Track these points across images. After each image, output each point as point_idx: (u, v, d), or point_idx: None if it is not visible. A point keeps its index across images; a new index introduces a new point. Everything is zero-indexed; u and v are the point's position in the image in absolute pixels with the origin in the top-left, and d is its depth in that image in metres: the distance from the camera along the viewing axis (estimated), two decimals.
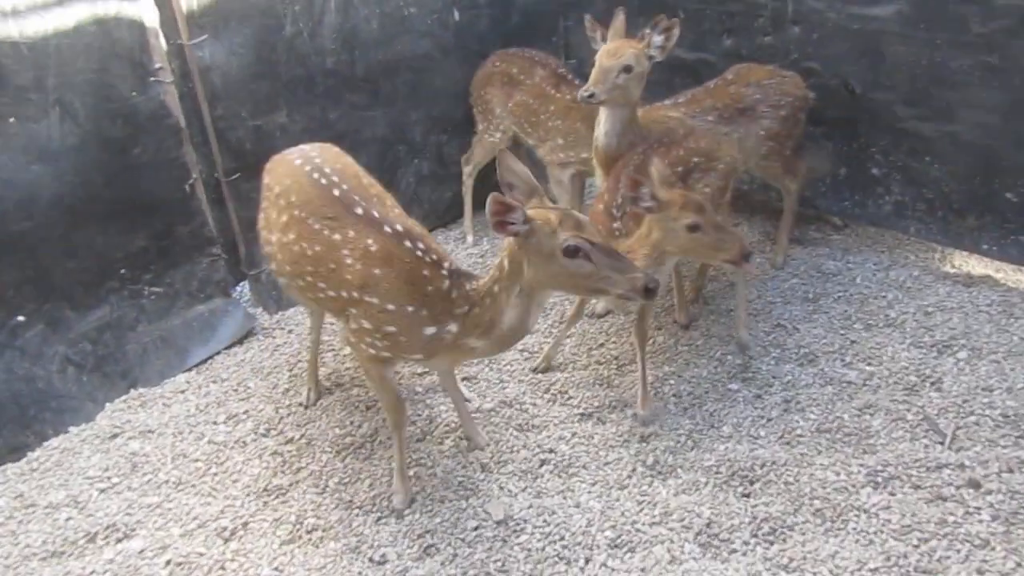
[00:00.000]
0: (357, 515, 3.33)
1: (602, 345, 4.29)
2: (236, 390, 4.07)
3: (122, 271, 3.97)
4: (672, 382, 3.98)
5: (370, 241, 3.01)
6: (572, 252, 2.66)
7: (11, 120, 3.40)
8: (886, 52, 4.23)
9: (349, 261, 3.01)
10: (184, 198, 4.00)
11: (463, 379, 4.05)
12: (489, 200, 2.53)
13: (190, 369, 4.23)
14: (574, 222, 2.70)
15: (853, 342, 4.14)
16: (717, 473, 3.43)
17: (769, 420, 3.70)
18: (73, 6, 3.47)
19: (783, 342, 4.18)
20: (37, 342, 3.73)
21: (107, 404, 3.95)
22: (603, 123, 3.85)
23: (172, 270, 4.16)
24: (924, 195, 4.44)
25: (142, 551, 3.20)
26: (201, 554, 3.18)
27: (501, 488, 3.41)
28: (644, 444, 3.61)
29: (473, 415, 3.77)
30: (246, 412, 3.91)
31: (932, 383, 3.79)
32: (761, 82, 4.33)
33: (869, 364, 3.98)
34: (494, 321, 2.90)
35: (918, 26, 4.08)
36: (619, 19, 3.90)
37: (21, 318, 3.67)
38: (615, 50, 3.69)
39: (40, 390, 3.74)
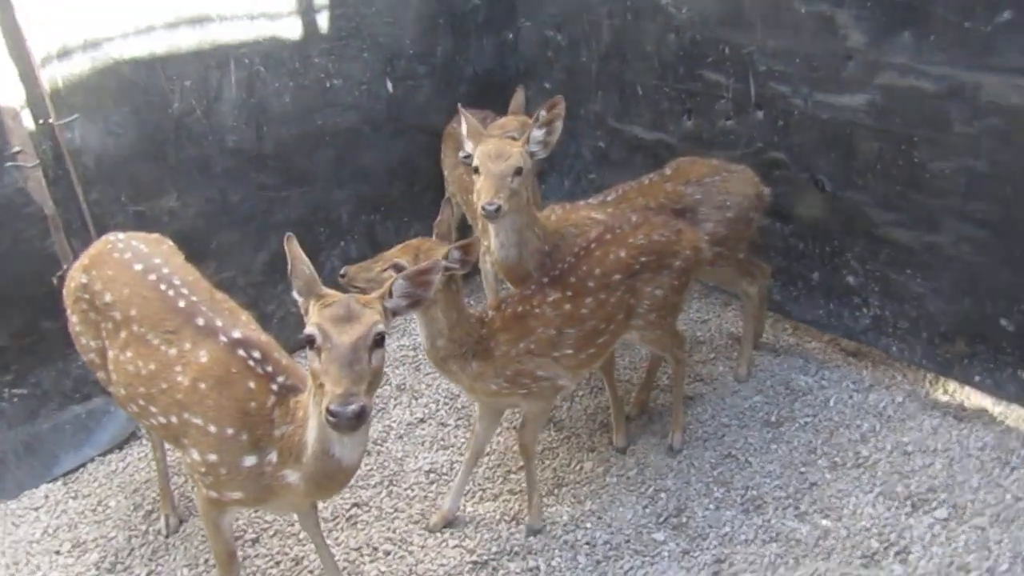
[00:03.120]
0: None
1: (522, 468, 3.69)
2: (94, 510, 3.59)
3: None
4: (588, 525, 3.39)
5: (203, 352, 2.58)
6: (309, 341, 2.18)
7: None
8: (858, 147, 3.64)
9: (180, 378, 2.57)
10: (51, 291, 3.58)
11: (352, 505, 3.53)
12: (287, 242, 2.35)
13: (56, 479, 3.78)
14: (330, 301, 2.22)
15: (812, 485, 3.49)
16: None
17: None
18: None
19: (729, 479, 3.56)
20: None
21: None
22: (495, 234, 3.33)
23: (39, 369, 3.73)
24: (906, 312, 3.80)
25: None
26: None
27: None
28: None
29: (347, 559, 3.23)
30: (95, 540, 3.42)
31: (897, 552, 3.12)
32: (703, 179, 3.74)
33: (826, 517, 3.33)
34: (302, 442, 2.39)
35: (892, 120, 3.49)
36: (517, 99, 3.40)
37: None
38: (499, 151, 3.17)
39: None
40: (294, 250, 2.33)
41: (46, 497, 3.68)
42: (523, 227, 3.29)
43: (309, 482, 2.42)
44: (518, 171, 3.13)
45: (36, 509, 3.61)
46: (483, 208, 3.08)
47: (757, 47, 3.88)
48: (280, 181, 4.22)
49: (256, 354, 2.55)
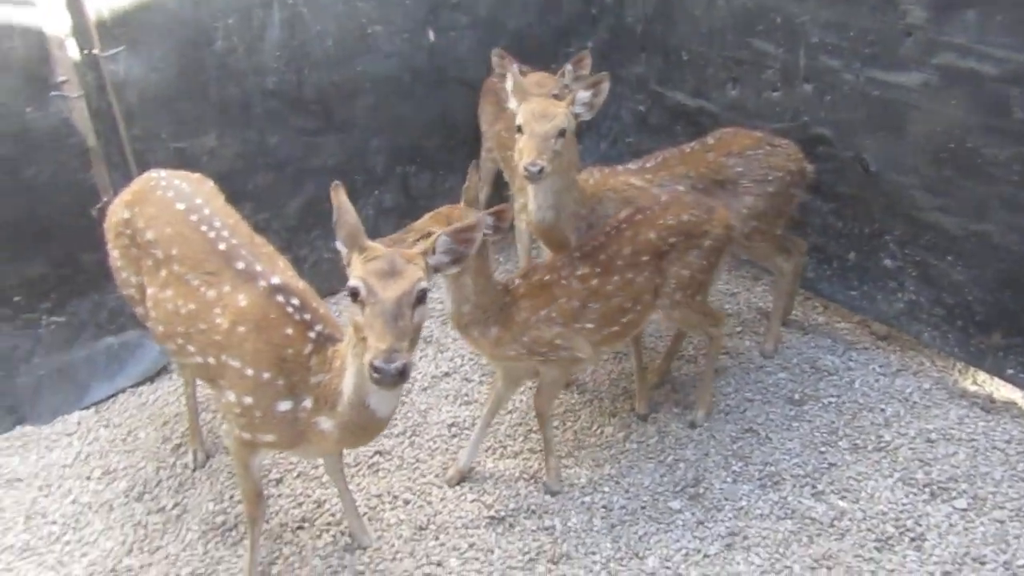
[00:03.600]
0: None
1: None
2: (125, 439, 3.69)
3: (16, 299, 3.62)
4: (606, 489, 3.42)
5: (242, 296, 2.60)
6: (353, 294, 2.20)
7: None
8: (908, 128, 3.54)
9: (219, 320, 2.61)
10: (91, 224, 3.62)
11: (375, 453, 3.59)
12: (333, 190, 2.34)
13: (88, 407, 3.88)
14: (375, 255, 2.23)
15: (831, 466, 3.49)
16: None
17: (706, 557, 3.11)
18: None
19: (748, 454, 3.57)
20: None
21: None
22: (534, 196, 3.30)
23: (76, 299, 3.80)
24: (943, 299, 3.74)
25: None
26: None
27: None
28: (551, 568, 3.07)
29: (368, 505, 3.30)
30: (125, 468, 3.52)
31: (912, 538, 3.13)
32: (746, 152, 3.67)
33: (843, 498, 3.33)
34: (338, 391, 2.42)
35: (948, 102, 3.38)
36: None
37: None
38: (544, 111, 3.13)
39: None
40: (341, 199, 2.32)
41: (79, 424, 3.78)
42: (562, 189, 3.26)
43: (342, 430, 2.46)
44: (561, 132, 3.10)
45: (69, 435, 3.72)
46: (525, 169, 3.05)
47: (811, 17, 3.77)
48: (318, 126, 4.20)
49: (295, 301, 2.58)
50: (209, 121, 3.85)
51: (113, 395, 3.94)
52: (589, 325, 3.19)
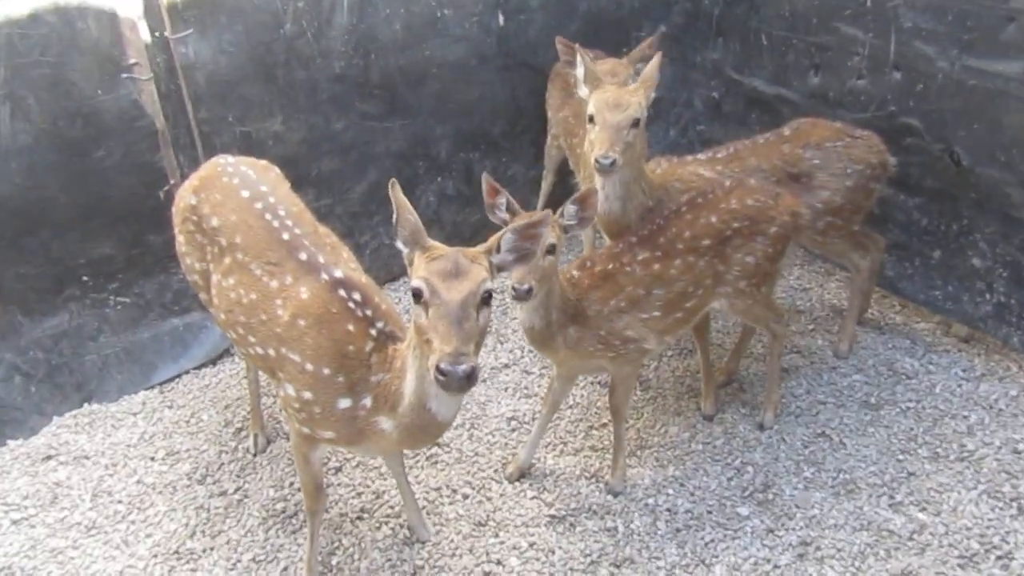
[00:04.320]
0: None
1: (604, 425, 3.65)
2: (188, 421, 3.71)
3: (84, 278, 3.67)
4: (671, 492, 3.31)
5: (303, 289, 2.56)
6: (416, 295, 2.12)
7: None
8: (1006, 120, 3.32)
9: (280, 312, 2.57)
10: (158, 205, 3.64)
11: (433, 445, 3.54)
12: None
13: (153, 387, 3.92)
14: (438, 254, 2.15)
15: (911, 475, 3.32)
16: None
17: (776, 568, 2.99)
18: None
19: (821, 459, 3.41)
20: None
21: (55, 417, 3.69)
22: (601, 186, 3.18)
23: (143, 280, 3.83)
24: None
25: None
26: None
27: None
28: (613, 572, 2.99)
29: (427, 498, 3.26)
30: (188, 450, 3.55)
31: (999, 556, 2.95)
32: (823, 144, 3.48)
33: (923, 511, 3.17)
34: (399, 392, 2.36)
35: None
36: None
37: None
38: (617, 101, 3.00)
39: None
40: (399, 198, 2.24)
41: (143, 404, 3.82)
42: (631, 181, 3.15)
43: (402, 432, 2.41)
44: (635, 123, 2.98)
45: (134, 414, 3.76)
46: (597, 161, 2.95)
47: (904, 1, 3.55)
48: (383, 111, 4.15)
49: (356, 296, 2.52)
50: (275, 105, 3.83)
51: (177, 376, 3.98)
52: (656, 313, 3.09)
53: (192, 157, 3.74)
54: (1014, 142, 3.33)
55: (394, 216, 2.24)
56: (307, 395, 2.51)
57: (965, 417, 3.57)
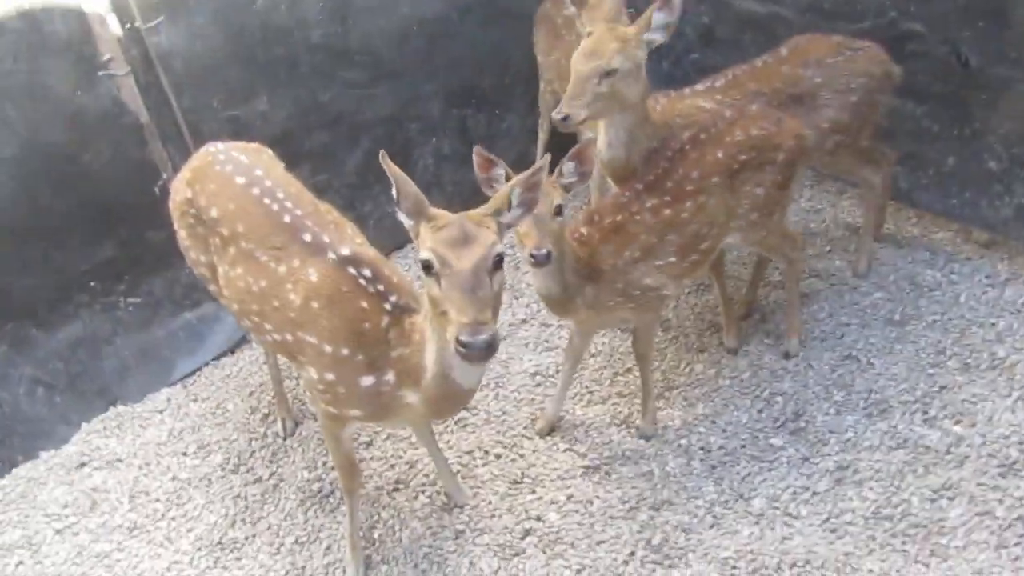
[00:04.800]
0: None
1: (629, 370, 3.63)
2: (214, 412, 3.72)
3: (91, 283, 3.63)
4: (702, 430, 3.30)
5: (312, 270, 2.52)
6: (426, 267, 2.06)
7: None
8: (1013, 14, 3.18)
9: (291, 296, 2.54)
10: (154, 201, 3.57)
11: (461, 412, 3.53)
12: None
13: (175, 383, 3.91)
14: (444, 222, 2.08)
15: (942, 388, 3.29)
16: (734, 568, 2.78)
17: (815, 495, 2.99)
18: None
19: (850, 382, 3.38)
20: (0, 364, 3.47)
21: (83, 424, 3.71)
22: (603, 132, 3.09)
23: (150, 278, 3.79)
24: None
25: None
26: None
27: (472, 566, 2.91)
28: (653, 515, 3.00)
29: (460, 462, 3.26)
30: (218, 442, 3.56)
31: None
32: (824, 60, 3.35)
33: (959, 423, 3.14)
34: (420, 365, 2.33)
35: None
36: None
37: None
38: (592, 49, 2.88)
39: (5, 414, 3.51)
40: (394, 170, 2.15)
41: (168, 400, 3.83)
42: (634, 126, 3.06)
43: (429, 404, 2.39)
44: (608, 72, 2.86)
45: (160, 412, 3.77)
46: (553, 116, 2.89)
47: None
48: (368, 77, 4.03)
49: (367, 272, 2.47)
50: (258, 84, 3.72)
51: (197, 369, 3.97)
52: (671, 259, 3.02)
53: (181, 148, 3.66)
54: (1022, 37, 3.20)
55: (393, 189, 2.17)
56: (329, 376, 2.49)
57: (993, 324, 3.51)
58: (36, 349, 3.56)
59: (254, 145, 2.96)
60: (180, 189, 2.88)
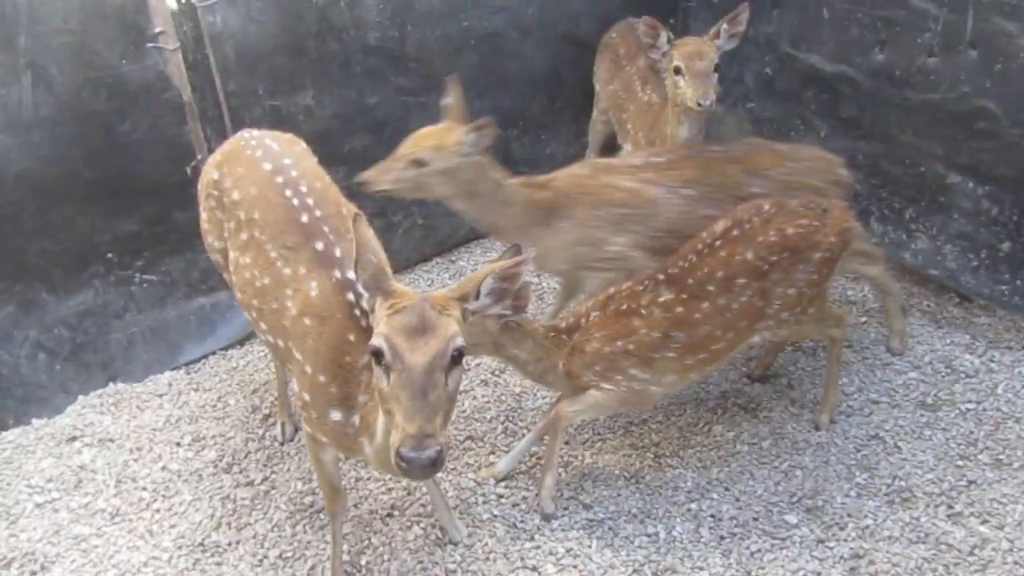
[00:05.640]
0: None
1: (644, 422, 3.49)
2: (215, 405, 3.61)
3: (109, 255, 3.55)
4: (715, 496, 3.15)
5: (314, 284, 2.40)
6: (376, 355, 1.91)
7: None
8: None
9: (289, 303, 2.42)
10: (184, 181, 3.49)
11: (467, 438, 3.41)
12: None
13: (179, 367, 3.82)
14: (402, 304, 1.93)
15: (971, 483, 3.13)
16: None
17: None
18: None
19: (874, 464, 3.23)
20: (5, 324, 3.40)
21: (80, 397, 3.62)
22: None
23: (169, 258, 3.71)
24: None
25: None
26: None
27: None
28: None
29: (459, 497, 3.13)
30: (214, 437, 3.45)
31: None
32: (768, 171, 3.27)
33: (985, 523, 2.98)
34: (374, 427, 2.20)
35: None
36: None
37: None
38: (415, 137, 3.11)
39: (3, 376, 3.44)
40: (363, 233, 2.02)
41: (169, 385, 3.73)
42: (473, 209, 3.18)
43: (381, 465, 2.27)
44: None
45: (160, 396, 3.67)
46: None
47: None
48: (419, 85, 3.95)
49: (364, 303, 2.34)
50: (307, 78, 3.65)
51: (203, 357, 3.88)
52: (670, 354, 2.89)
53: (220, 130, 3.58)
54: None
55: (355, 254, 2.02)
56: (306, 396, 2.39)
57: None
58: (44, 313, 3.48)
59: (288, 135, 2.87)
60: (209, 171, 2.80)
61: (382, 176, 3.04)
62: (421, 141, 3.07)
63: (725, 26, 3.35)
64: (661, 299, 2.87)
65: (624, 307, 2.89)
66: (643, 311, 2.87)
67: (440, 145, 3.03)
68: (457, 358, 1.91)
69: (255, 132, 2.85)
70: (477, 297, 2.05)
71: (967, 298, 3.97)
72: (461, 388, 3.55)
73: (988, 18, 3.30)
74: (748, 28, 3.43)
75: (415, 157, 3.02)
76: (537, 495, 3.10)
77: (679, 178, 3.23)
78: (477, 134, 3.00)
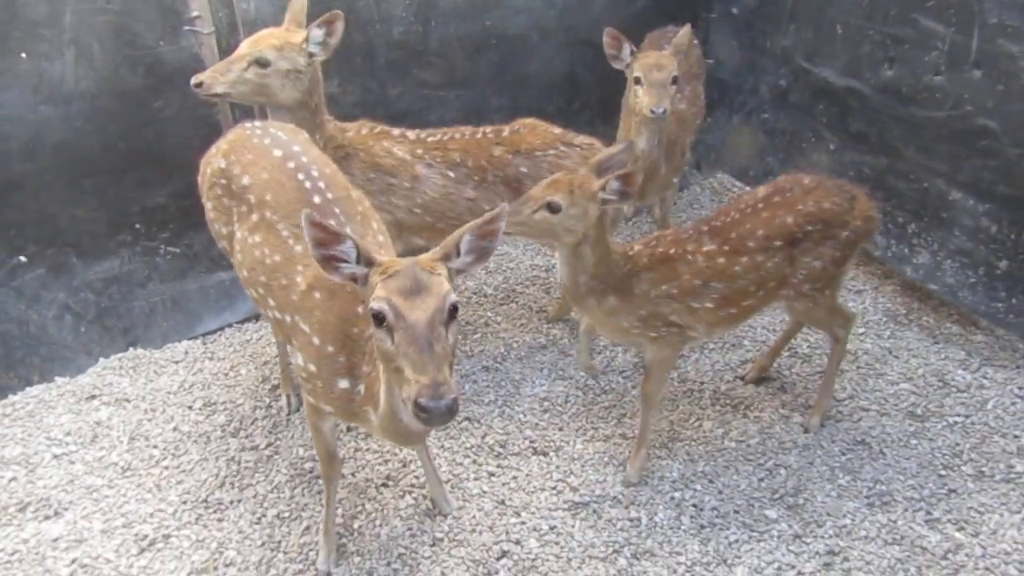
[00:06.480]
0: (279, 561, 2.96)
1: (636, 414, 3.58)
2: (227, 374, 3.79)
3: (137, 225, 3.75)
4: (699, 487, 3.25)
5: None
6: (377, 319, 1.98)
7: (22, 55, 3.18)
8: None
9: (298, 279, 2.55)
10: None
11: (464, 419, 3.54)
12: (306, 220, 2.00)
13: (196, 337, 4.00)
14: (394, 272, 2.00)
15: (951, 492, 3.20)
16: None
17: (800, 575, 2.92)
18: None
19: (858, 468, 3.31)
20: (35, 285, 3.60)
21: (102, 359, 3.81)
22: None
23: (193, 232, 3.89)
24: None
25: (56, 539, 3.01)
26: (108, 560, 2.94)
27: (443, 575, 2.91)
28: (632, 563, 2.95)
29: (452, 472, 3.27)
30: (224, 403, 3.62)
31: None
32: (535, 152, 3.41)
33: (960, 530, 3.05)
34: (377, 394, 2.30)
35: None
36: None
37: (22, 259, 3.54)
38: (255, 37, 3.00)
39: (31, 334, 3.63)
40: (331, 227, 2.07)
41: (186, 353, 3.91)
42: (302, 121, 3.12)
43: (383, 432, 2.38)
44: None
45: (176, 363, 3.85)
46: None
47: None
48: (440, 80, 4.11)
49: None
50: (332, 67, 3.80)
51: (220, 328, 4.06)
52: (708, 304, 3.02)
53: (247, 114, 3.75)
54: None
55: (345, 243, 2.06)
56: (312, 367, 2.50)
57: (1016, 437, 3.41)
58: (72, 278, 3.68)
59: (291, 125, 3.00)
60: (213, 160, 2.90)
61: (220, 78, 2.91)
62: (263, 40, 2.93)
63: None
64: (705, 248, 3.02)
65: (671, 252, 3.01)
66: (688, 257, 3.00)
67: (285, 44, 2.93)
68: (454, 312, 2.01)
69: (257, 122, 2.97)
70: (458, 255, 2.14)
71: (966, 316, 4.04)
72: (463, 373, 3.74)
73: (993, 39, 3.38)
74: (765, 40, 3.55)
75: (256, 56, 2.90)
76: (628, 466, 3.27)
77: (444, 157, 3.34)
78: (326, 28, 2.91)
